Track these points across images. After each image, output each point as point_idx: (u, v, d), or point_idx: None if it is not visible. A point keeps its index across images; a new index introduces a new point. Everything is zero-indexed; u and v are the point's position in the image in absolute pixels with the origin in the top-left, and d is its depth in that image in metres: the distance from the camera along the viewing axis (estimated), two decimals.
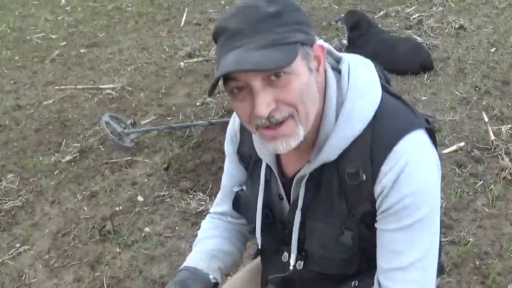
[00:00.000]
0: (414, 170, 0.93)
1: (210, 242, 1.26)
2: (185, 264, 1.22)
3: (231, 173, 1.25)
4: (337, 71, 1.02)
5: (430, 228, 0.97)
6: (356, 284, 1.07)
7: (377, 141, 0.95)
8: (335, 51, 1.04)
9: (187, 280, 1.14)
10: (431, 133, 1.00)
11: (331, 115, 0.97)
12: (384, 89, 1.02)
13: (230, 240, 1.29)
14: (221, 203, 1.31)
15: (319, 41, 0.94)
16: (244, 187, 1.20)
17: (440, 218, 1.06)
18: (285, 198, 1.12)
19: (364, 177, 0.96)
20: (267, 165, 1.10)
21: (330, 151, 0.97)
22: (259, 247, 1.24)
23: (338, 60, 1.04)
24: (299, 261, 1.11)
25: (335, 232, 1.02)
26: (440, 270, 1.14)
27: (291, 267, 1.11)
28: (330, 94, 0.97)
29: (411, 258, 0.95)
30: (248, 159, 1.17)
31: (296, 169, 1.05)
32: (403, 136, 0.94)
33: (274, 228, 1.15)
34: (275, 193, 1.13)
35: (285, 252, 1.14)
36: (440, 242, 1.08)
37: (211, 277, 1.18)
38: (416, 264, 0.96)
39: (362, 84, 0.98)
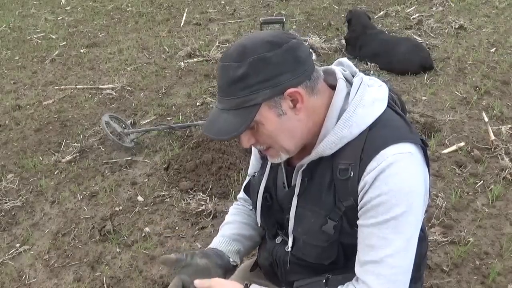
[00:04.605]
0: (394, 172, 1.03)
1: (231, 227, 1.44)
2: (209, 246, 1.40)
3: (252, 162, 1.43)
4: (351, 83, 1.15)
5: (404, 231, 1.04)
6: (330, 277, 1.16)
7: (369, 144, 1.06)
8: (353, 66, 1.19)
9: (211, 255, 1.31)
10: (425, 152, 1.11)
11: (333, 118, 1.10)
12: (391, 107, 1.14)
13: (250, 225, 1.45)
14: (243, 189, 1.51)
15: (296, 88, 1.06)
16: (256, 174, 1.36)
17: (424, 238, 1.22)
18: (287, 187, 1.25)
19: (352, 174, 1.07)
20: None
21: (326, 146, 1.09)
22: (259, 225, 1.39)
23: (354, 74, 1.18)
24: (286, 245, 1.24)
25: (320, 220, 1.14)
26: (417, 280, 1.27)
27: (288, 248, 1.23)
28: (335, 101, 1.11)
29: (382, 254, 1.04)
30: None
31: (300, 160, 1.18)
32: (394, 143, 1.05)
33: (272, 212, 1.30)
34: (281, 182, 1.27)
35: (279, 236, 1.30)
36: (421, 258, 1.24)
37: (231, 260, 1.35)
38: (387, 260, 1.03)
39: (367, 98, 1.10)
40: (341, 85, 1.12)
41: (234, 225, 1.45)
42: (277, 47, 1.04)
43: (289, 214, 1.21)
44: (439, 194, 2.74)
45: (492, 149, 3.14)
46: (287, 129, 1.09)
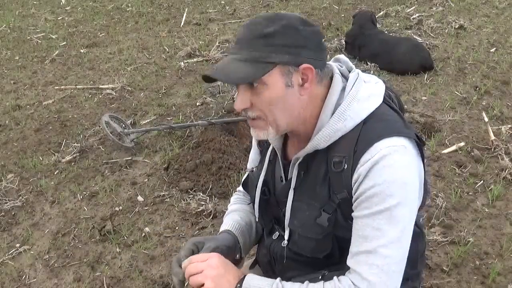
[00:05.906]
0: (388, 164, 1.03)
1: (239, 213, 1.46)
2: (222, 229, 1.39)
3: (251, 157, 1.44)
4: (347, 78, 1.16)
5: (398, 222, 1.04)
6: (326, 274, 1.16)
7: (363, 137, 1.07)
8: (350, 62, 1.21)
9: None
10: (420, 147, 1.12)
11: (328, 111, 1.12)
12: (387, 103, 1.15)
13: (253, 213, 1.44)
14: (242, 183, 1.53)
15: (308, 65, 1.07)
16: (254, 169, 1.37)
17: (421, 234, 1.22)
18: (284, 180, 1.26)
19: (345, 166, 1.08)
20: (273, 148, 1.29)
21: (321, 139, 1.11)
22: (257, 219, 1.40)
23: (350, 70, 1.19)
24: (283, 240, 1.25)
25: (314, 213, 1.15)
26: (415, 278, 1.28)
27: (285, 242, 1.24)
28: (331, 95, 1.12)
29: (375, 244, 1.04)
30: (263, 144, 1.37)
31: (297, 154, 1.19)
32: (387, 137, 1.06)
33: (270, 206, 1.31)
34: (278, 176, 1.29)
35: (276, 232, 1.31)
36: (419, 255, 1.24)
37: (237, 256, 1.35)
38: (380, 250, 1.03)
39: (363, 93, 1.12)
40: (337, 79, 1.14)
41: (241, 212, 1.47)
42: (308, 25, 1.07)
43: (286, 207, 1.22)
44: (439, 194, 2.74)
45: (492, 149, 3.14)
46: (287, 103, 1.09)
